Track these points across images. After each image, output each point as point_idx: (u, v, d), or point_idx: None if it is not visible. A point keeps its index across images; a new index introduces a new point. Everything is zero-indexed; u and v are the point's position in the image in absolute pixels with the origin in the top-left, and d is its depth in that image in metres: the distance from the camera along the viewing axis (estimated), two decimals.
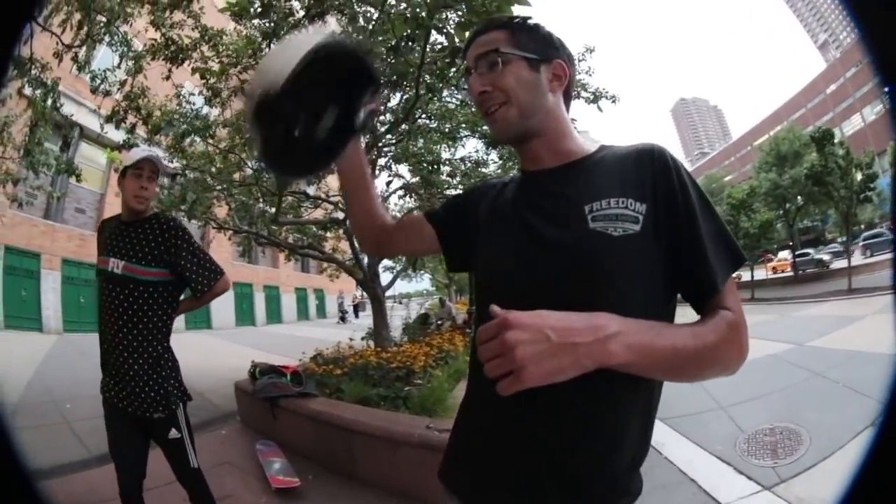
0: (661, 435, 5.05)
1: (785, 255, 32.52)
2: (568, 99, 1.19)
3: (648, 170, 1.02)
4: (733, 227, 25.66)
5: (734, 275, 1.02)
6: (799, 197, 26.59)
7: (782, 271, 29.98)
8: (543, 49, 1.12)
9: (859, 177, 21.72)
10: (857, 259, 24.86)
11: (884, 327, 8.72)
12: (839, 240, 32.68)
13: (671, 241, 0.97)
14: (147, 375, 2.44)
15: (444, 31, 3.46)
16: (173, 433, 2.52)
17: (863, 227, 35.10)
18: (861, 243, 27.74)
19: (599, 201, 1.00)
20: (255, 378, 5.39)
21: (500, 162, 8.02)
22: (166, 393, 2.48)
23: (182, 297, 2.68)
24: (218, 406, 6.79)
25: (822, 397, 5.66)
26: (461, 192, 1.38)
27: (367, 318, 26.63)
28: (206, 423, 5.99)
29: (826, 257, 27.87)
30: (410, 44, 3.74)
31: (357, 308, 30.47)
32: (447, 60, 3.86)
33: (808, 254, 29.88)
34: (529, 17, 1.17)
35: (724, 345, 0.92)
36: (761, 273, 28.62)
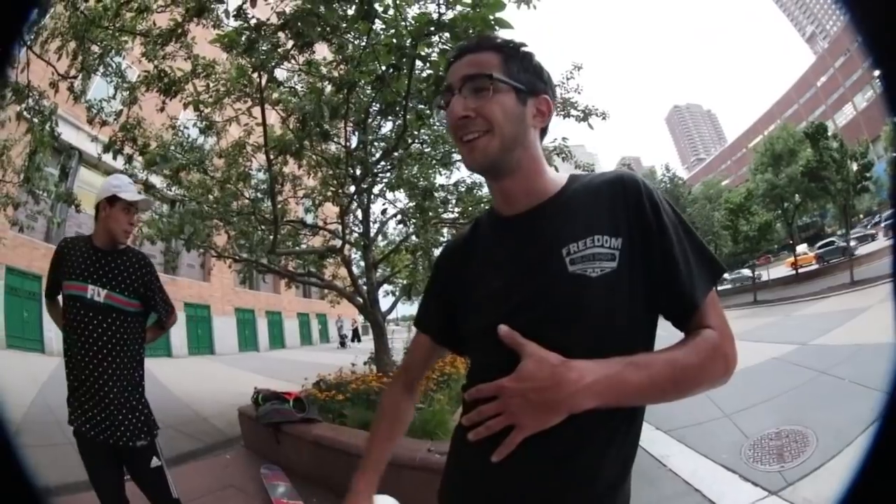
0: (666, 447, 5.05)
1: (803, 249, 31.26)
2: (544, 134, 1.16)
3: (621, 202, 1.02)
4: (732, 231, 25.71)
5: (714, 289, 1.03)
6: (797, 195, 26.59)
7: (800, 266, 28.66)
8: (533, 81, 1.09)
9: (855, 167, 21.78)
10: (882, 242, 24.51)
11: (888, 316, 8.67)
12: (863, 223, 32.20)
13: (648, 267, 0.99)
14: (129, 403, 2.49)
15: (428, 60, 3.52)
16: (154, 462, 2.54)
17: (861, 216, 35.03)
18: (883, 224, 27.47)
19: (576, 242, 1.00)
20: (258, 404, 5.42)
21: None
22: (147, 420, 2.54)
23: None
24: (222, 431, 6.85)
25: (828, 395, 5.62)
26: (431, 277, 1.36)
27: (368, 343, 26.62)
28: (210, 448, 6.10)
29: (852, 244, 24.06)
30: (396, 73, 3.76)
31: (356, 333, 30.36)
32: (433, 89, 3.90)
33: (832, 242, 27.99)
34: (524, 45, 1.13)
35: (709, 363, 0.97)
36: (782, 270, 28.33)
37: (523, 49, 1.11)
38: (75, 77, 5.73)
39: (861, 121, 42.54)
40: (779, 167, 29.17)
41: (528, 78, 1.07)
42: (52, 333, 15.40)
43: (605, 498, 1.01)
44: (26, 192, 7.68)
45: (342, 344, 27.99)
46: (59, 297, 2.65)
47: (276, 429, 4.92)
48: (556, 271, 1.00)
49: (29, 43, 5.29)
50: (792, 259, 28.80)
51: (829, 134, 23.48)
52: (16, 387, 8.81)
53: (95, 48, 5.66)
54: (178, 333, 21.74)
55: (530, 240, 1.07)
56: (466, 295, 1.16)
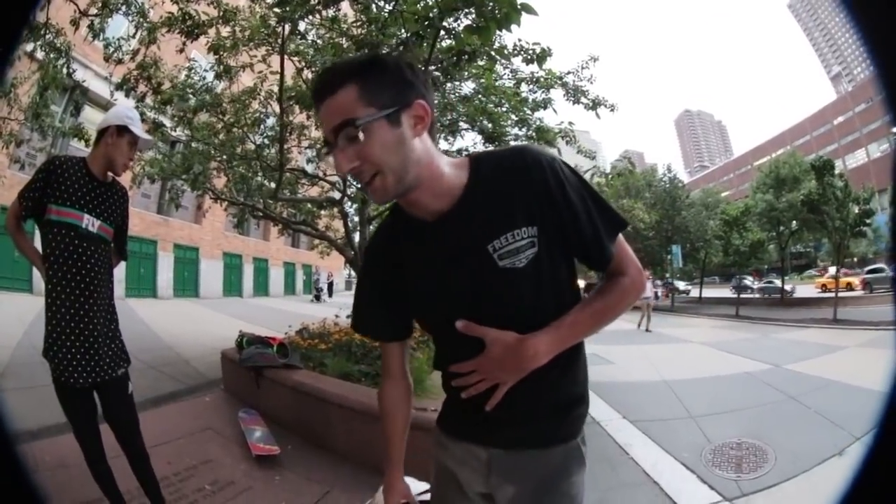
0: (630, 436, 5.21)
1: (833, 271, 30.86)
2: (433, 129, 1.17)
3: (530, 189, 1.15)
4: (724, 243, 25.81)
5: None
6: (794, 222, 26.62)
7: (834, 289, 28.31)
8: (399, 93, 1.08)
9: (856, 210, 21.80)
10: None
11: (864, 361, 8.66)
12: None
13: (565, 238, 1.18)
14: (111, 332, 2.56)
15: (453, 32, 3.55)
16: (130, 388, 2.65)
17: (855, 260, 35.07)
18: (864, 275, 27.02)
19: (498, 239, 1.15)
20: (241, 347, 5.47)
21: None
22: (124, 347, 2.65)
23: None
24: (203, 374, 6.92)
25: (793, 420, 5.69)
26: (364, 287, 1.43)
27: (341, 297, 26.15)
28: (191, 390, 6.16)
29: None
30: (420, 41, 3.80)
31: (330, 287, 29.75)
32: (453, 60, 3.95)
33: (881, 269, 26.24)
34: (376, 57, 1.13)
35: (623, 304, 1.24)
36: (810, 290, 28.05)
37: (378, 64, 1.10)
38: (97, 15, 5.70)
39: (871, 168, 42.69)
40: (780, 191, 29.16)
41: (392, 94, 1.07)
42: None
43: (570, 403, 1.31)
44: (30, 129, 7.66)
45: (317, 297, 27.34)
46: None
47: (257, 373, 4.99)
48: (489, 268, 1.16)
49: None
50: (824, 280, 28.45)
51: (836, 172, 23.47)
52: (1, 328, 8.84)
53: None
54: (165, 275, 21.82)
55: (455, 242, 1.18)
56: (410, 298, 1.30)
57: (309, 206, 8.89)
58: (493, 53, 4.17)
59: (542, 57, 5.52)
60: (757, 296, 29.38)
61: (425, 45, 3.84)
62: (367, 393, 4.13)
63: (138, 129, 2.54)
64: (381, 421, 1.53)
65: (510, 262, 1.15)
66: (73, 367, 2.38)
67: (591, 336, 1.25)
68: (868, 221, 21.19)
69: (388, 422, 1.50)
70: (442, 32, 3.81)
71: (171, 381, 6.49)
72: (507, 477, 1.32)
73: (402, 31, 3.96)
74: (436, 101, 6.59)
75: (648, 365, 10.03)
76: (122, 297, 17.68)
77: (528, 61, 5.77)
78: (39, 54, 6.23)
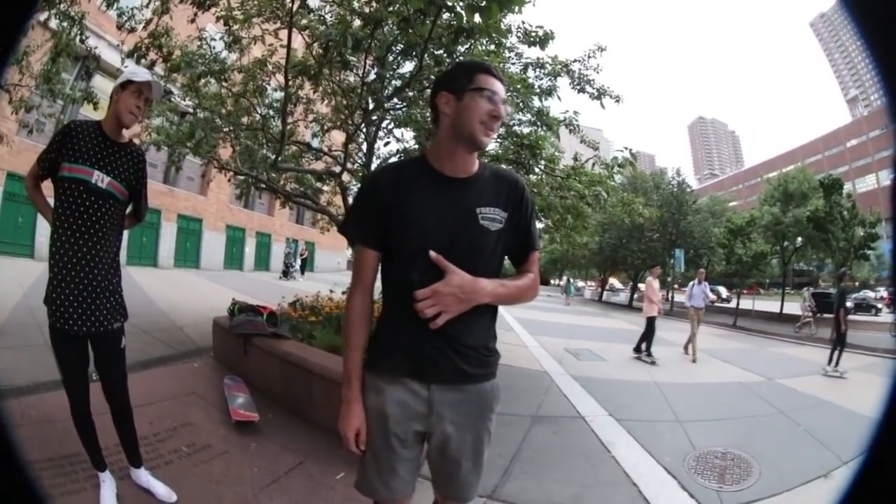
0: (614, 434, 5.15)
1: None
2: None
3: (513, 193, 1.74)
4: (727, 251, 25.68)
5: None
6: (798, 238, 26.50)
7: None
8: None
9: (861, 233, 21.69)
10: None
11: (859, 385, 8.63)
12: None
13: (514, 231, 1.74)
14: (112, 286, 2.68)
15: (455, 10, 3.56)
16: (123, 342, 2.79)
17: (857, 284, 34.76)
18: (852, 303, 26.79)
19: (485, 208, 1.67)
20: (233, 315, 5.54)
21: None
22: (122, 302, 2.77)
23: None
24: (194, 341, 7.01)
25: (781, 436, 5.63)
26: (371, 196, 1.73)
27: (314, 278, 25.65)
28: (181, 356, 6.24)
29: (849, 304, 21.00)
30: (422, 18, 3.88)
31: (304, 264, 28.07)
32: (452, 38, 3.94)
33: (827, 294, 24.20)
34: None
35: (529, 292, 1.81)
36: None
37: None
38: None
39: (880, 195, 42.57)
40: (788, 205, 29.08)
41: None
42: (44, 238, 15.61)
43: (493, 346, 1.77)
44: (41, 95, 7.92)
45: (285, 273, 24.79)
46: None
47: (245, 340, 5.03)
48: (471, 220, 1.65)
49: None
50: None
51: (845, 193, 23.35)
52: (2, 291, 9.10)
53: None
54: (167, 245, 21.88)
55: (461, 199, 1.67)
56: (406, 221, 1.64)
57: (311, 179, 8.91)
58: (491, 32, 4.14)
59: (544, 40, 5.45)
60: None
61: (427, 21, 3.89)
62: None
63: (138, 77, 2.64)
64: (347, 331, 1.75)
65: (487, 224, 1.66)
66: (70, 314, 2.52)
67: (510, 304, 1.79)
68: (873, 246, 21.09)
69: (353, 332, 1.73)
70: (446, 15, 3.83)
71: (161, 345, 6.57)
72: (446, 413, 1.66)
73: (407, 8, 3.98)
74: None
75: (640, 365, 10.03)
76: (123, 264, 17.71)
77: (530, 44, 5.74)
78: (53, 23, 6.33)
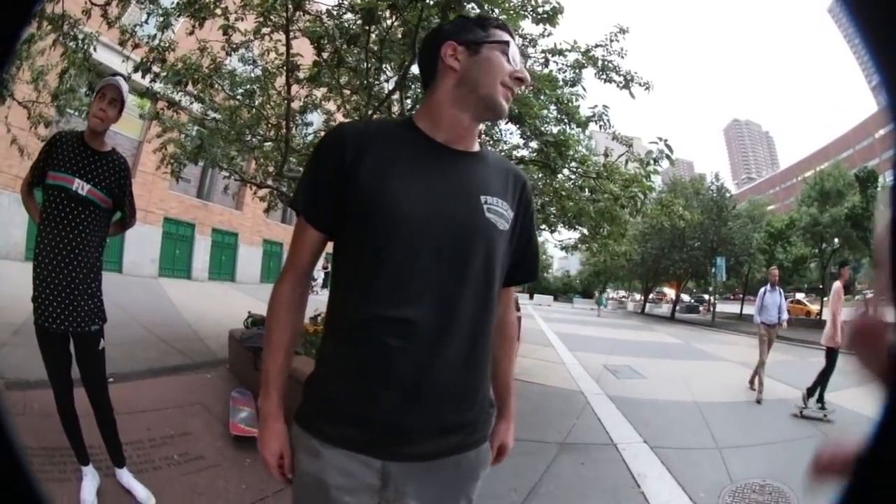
0: (646, 465, 4.75)
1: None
2: None
3: (521, 192, 1.36)
4: (768, 257, 24.95)
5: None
6: (836, 238, 25.64)
7: None
8: None
9: None
10: None
11: None
12: None
13: (515, 244, 1.34)
14: (90, 289, 2.80)
15: None
16: (101, 344, 2.91)
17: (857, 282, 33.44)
18: None
19: (491, 196, 1.24)
20: (248, 328, 5.59)
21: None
22: (101, 306, 2.89)
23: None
24: (213, 352, 7.09)
25: None
26: (327, 160, 1.23)
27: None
28: (196, 366, 6.34)
29: None
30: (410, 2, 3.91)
31: (326, 277, 28.55)
32: (439, 15, 3.88)
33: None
34: None
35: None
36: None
37: None
38: (108, 3, 5.88)
39: None
40: (825, 204, 28.13)
41: None
42: None
43: (488, 391, 1.34)
44: (56, 111, 8.43)
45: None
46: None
47: (255, 353, 4.93)
48: (478, 211, 1.22)
49: None
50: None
51: (879, 184, 22.55)
52: (25, 290, 9.06)
53: None
54: (201, 258, 22.29)
55: (464, 178, 1.24)
56: (380, 193, 1.16)
57: None
58: (483, 2, 3.96)
59: (553, 15, 5.11)
60: None
61: (415, 8, 3.91)
62: None
63: (103, 81, 2.77)
64: (268, 325, 1.30)
65: (494, 219, 1.23)
66: (49, 312, 2.68)
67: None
68: None
69: (276, 327, 1.28)
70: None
71: (178, 355, 6.68)
72: (410, 489, 1.19)
73: None
74: None
75: (681, 382, 9.50)
76: (154, 276, 18.05)
77: (538, 21, 5.30)
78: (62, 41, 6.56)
